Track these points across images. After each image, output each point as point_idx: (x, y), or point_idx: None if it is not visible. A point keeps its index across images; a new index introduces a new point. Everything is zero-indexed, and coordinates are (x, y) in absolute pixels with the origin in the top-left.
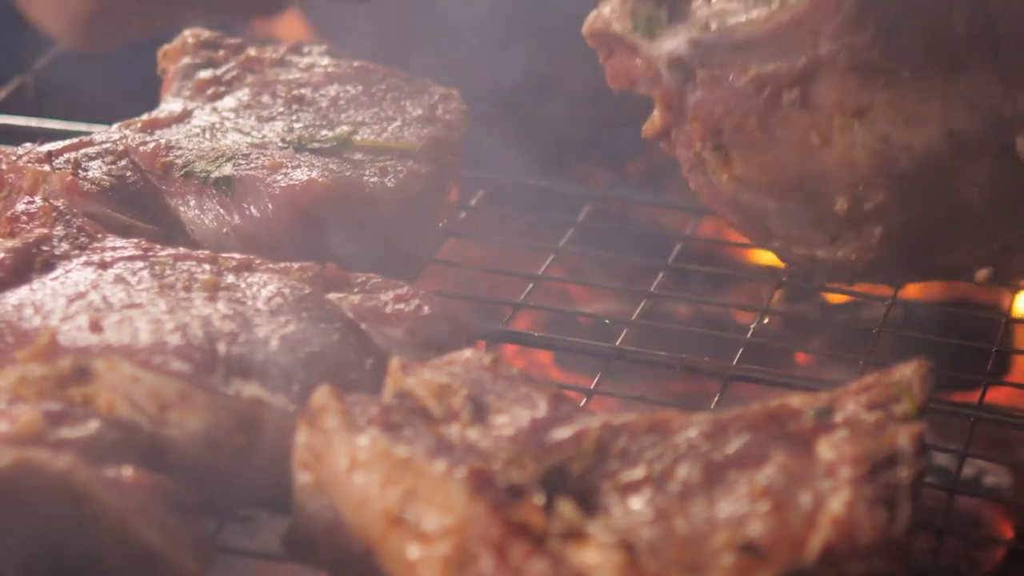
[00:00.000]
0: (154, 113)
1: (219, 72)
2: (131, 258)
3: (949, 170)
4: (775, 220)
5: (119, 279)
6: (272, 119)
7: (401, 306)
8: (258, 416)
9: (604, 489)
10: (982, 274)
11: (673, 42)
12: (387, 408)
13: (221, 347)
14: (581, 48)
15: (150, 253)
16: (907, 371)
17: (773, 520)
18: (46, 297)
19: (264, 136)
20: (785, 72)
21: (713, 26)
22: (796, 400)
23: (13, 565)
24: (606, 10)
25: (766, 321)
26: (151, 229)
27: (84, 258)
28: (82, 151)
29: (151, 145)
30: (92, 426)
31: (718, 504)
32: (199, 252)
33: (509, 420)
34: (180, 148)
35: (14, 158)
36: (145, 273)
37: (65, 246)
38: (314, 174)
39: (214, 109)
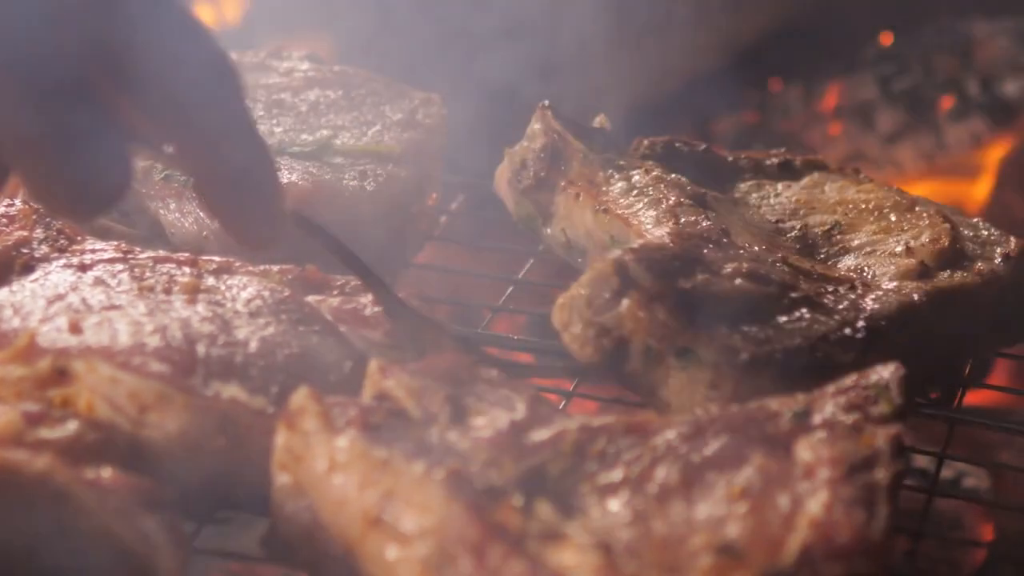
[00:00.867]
0: None
1: None
2: (111, 260)
3: None
4: None
5: (99, 281)
6: None
7: (380, 308)
8: (237, 418)
9: (582, 491)
10: None
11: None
12: (366, 410)
13: (200, 349)
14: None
15: (130, 256)
16: (884, 373)
17: (751, 522)
18: (25, 299)
19: None
20: None
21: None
22: (774, 402)
23: None
24: (502, 181)
25: None
26: (131, 232)
27: (64, 260)
28: None
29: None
30: (71, 427)
31: (696, 506)
32: (179, 255)
33: (488, 422)
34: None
35: None
36: (125, 275)
37: (45, 248)
38: (294, 177)
39: None
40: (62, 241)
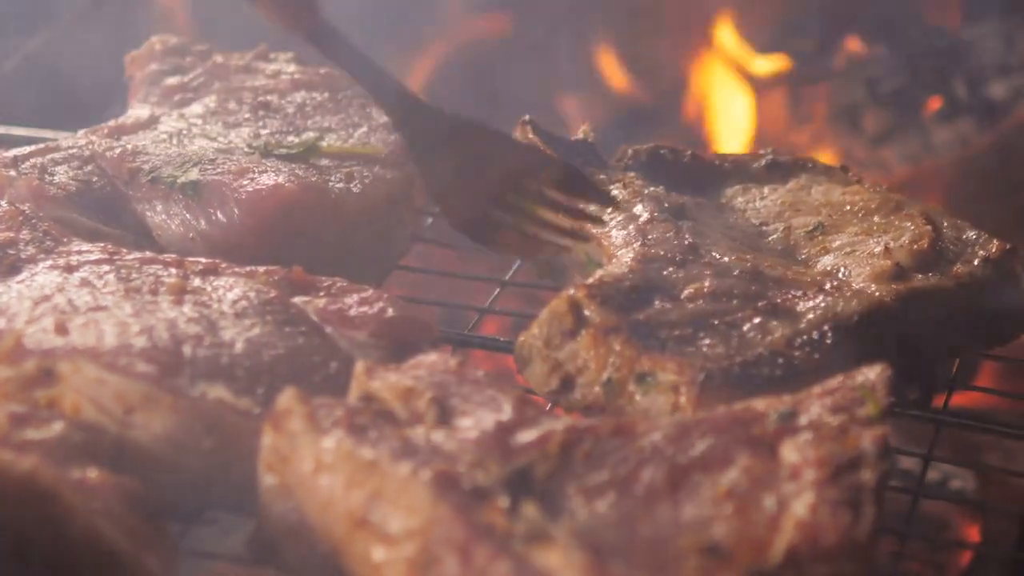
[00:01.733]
0: (121, 119)
1: (186, 78)
2: (97, 262)
3: None
4: None
5: (85, 282)
6: (239, 125)
7: (365, 309)
8: (223, 419)
9: (569, 492)
10: None
11: None
12: (352, 410)
13: (187, 350)
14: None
15: (116, 257)
16: (870, 374)
17: (737, 522)
18: (11, 300)
19: (231, 142)
20: None
21: None
22: (760, 403)
23: None
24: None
25: None
26: (117, 233)
27: (50, 262)
28: (48, 156)
29: (118, 151)
30: (57, 428)
31: (682, 507)
32: (165, 256)
33: (474, 423)
34: (147, 154)
35: None
36: (111, 277)
37: (31, 250)
38: (280, 179)
39: (181, 115)
40: (48, 242)
